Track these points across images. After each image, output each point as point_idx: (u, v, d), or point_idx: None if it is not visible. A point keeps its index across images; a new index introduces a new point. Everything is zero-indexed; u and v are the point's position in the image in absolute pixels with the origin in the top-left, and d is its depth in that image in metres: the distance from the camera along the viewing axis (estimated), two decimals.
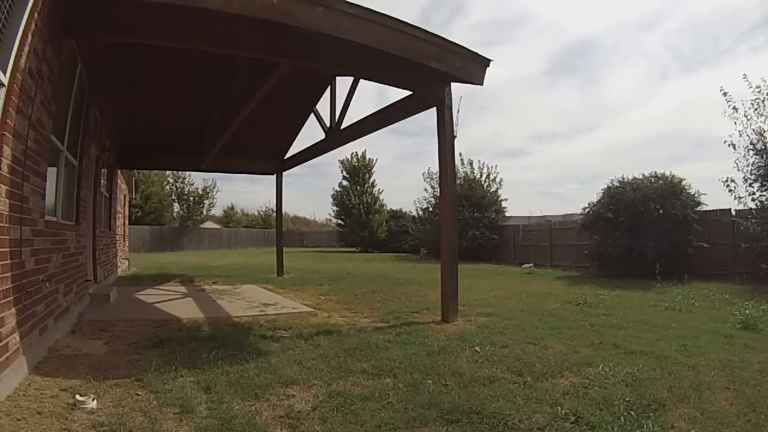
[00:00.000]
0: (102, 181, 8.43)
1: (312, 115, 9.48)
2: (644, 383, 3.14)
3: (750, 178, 9.49)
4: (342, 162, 32.75)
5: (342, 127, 8.08)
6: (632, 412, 2.60)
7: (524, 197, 53.36)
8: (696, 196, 11.07)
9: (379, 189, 32.49)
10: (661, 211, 10.72)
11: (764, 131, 9.27)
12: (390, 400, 2.81)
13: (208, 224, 37.42)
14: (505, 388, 3.05)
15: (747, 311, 5.55)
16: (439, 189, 8.28)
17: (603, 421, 2.50)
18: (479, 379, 3.24)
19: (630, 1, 56.85)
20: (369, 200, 31.21)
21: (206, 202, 34.60)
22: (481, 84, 5.52)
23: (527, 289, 8.93)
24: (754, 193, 9.45)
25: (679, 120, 57.02)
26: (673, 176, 11.35)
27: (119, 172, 11.83)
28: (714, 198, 15.55)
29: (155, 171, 28.39)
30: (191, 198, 33.63)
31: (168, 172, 31.37)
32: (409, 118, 6.60)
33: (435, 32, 5.04)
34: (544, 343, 4.31)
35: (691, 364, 3.63)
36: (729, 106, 9.57)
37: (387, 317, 5.75)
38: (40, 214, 3.59)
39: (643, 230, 10.75)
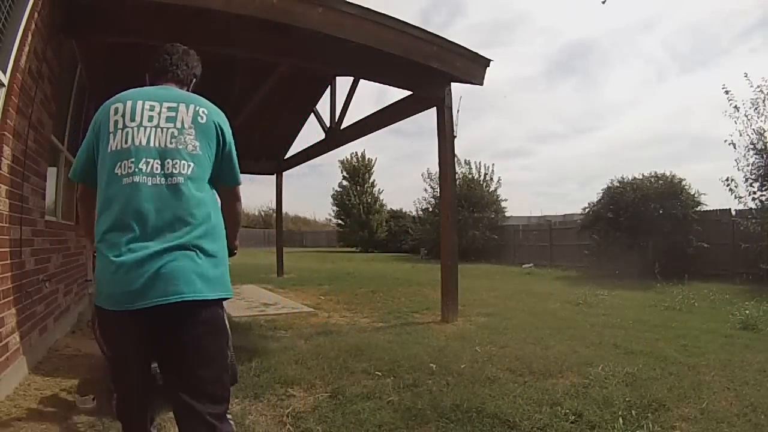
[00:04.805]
0: None
1: (312, 115, 9.48)
2: (644, 383, 3.14)
3: (750, 178, 9.48)
4: (342, 162, 32.74)
5: (342, 127, 8.08)
6: (632, 412, 2.60)
7: (524, 197, 53.31)
8: (696, 196, 11.06)
9: (379, 189, 32.42)
10: (661, 211, 10.73)
11: (764, 131, 9.27)
12: (390, 400, 2.81)
13: None
14: (506, 387, 3.05)
15: (747, 311, 5.55)
16: (439, 189, 8.29)
17: (603, 421, 2.50)
18: (479, 379, 3.24)
19: (629, 2, 56.93)
20: (369, 200, 31.17)
21: None
22: (481, 84, 5.53)
23: (527, 289, 8.92)
24: (754, 193, 9.44)
25: (678, 120, 57.14)
26: (673, 176, 11.34)
27: None
28: (714, 198, 15.59)
29: None
30: None
31: None
32: (409, 118, 6.61)
33: (435, 32, 5.07)
34: (544, 343, 4.31)
35: (691, 364, 3.62)
36: (731, 104, 9.57)
37: (387, 317, 5.75)
38: (40, 214, 3.60)
39: (643, 230, 10.75)
